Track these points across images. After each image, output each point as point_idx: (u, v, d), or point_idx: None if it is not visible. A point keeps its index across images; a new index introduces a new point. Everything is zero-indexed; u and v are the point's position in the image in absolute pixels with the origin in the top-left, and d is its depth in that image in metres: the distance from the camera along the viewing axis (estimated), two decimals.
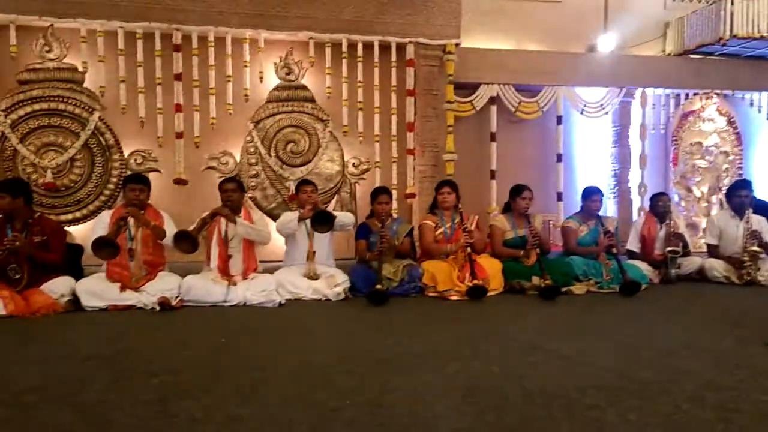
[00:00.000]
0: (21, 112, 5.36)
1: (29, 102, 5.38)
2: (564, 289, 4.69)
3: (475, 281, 4.52)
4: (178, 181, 5.73)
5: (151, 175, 5.59)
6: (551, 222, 7.01)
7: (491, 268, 4.79)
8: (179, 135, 5.69)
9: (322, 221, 4.55)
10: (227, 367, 2.68)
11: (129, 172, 5.59)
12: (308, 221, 4.70)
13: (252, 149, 5.98)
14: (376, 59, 6.00)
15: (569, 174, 7.43)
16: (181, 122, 5.68)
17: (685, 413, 2.08)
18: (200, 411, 2.13)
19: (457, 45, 6.23)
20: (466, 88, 6.83)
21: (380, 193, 5.04)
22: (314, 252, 4.69)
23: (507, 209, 5.38)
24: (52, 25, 5.33)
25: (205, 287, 4.22)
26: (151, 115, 5.62)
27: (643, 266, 5.29)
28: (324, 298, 4.45)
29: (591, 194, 5.39)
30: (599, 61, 7.28)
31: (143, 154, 5.71)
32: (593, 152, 7.60)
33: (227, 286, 4.27)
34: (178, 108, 5.65)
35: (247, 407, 2.16)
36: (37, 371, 2.64)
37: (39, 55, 5.37)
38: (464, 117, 6.84)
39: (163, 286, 4.20)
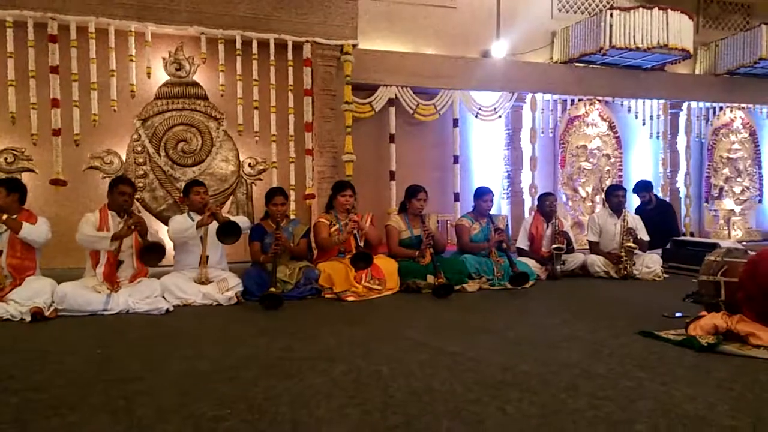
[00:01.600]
0: None
1: None
2: (457, 287, 4.81)
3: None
4: (56, 182, 5.31)
5: (26, 176, 5.19)
6: (448, 221, 7.19)
7: (387, 268, 4.83)
8: (56, 132, 5.28)
9: (229, 233, 4.37)
10: (100, 381, 2.50)
11: (0, 173, 5.14)
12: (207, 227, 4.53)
13: (139, 148, 5.68)
14: (272, 57, 5.87)
15: (466, 175, 7.65)
16: (58, 118, 5.27)
17: (560, 402, 2.18)
18: (64, 430, 1.97)
19: (354, 46, 6.22)
20: (365, 90, 6.86)
21: (275, 194, 4.92)
22: (207, 256, 4.50)
23: (402, 210, 5.44)
24: None
25: (82, 295, 3.90)
26: (24, 111, 5.18)
27: (531, 263, 5.53)
28: (215, 303, 4.27)
29: (483, 194, 5.57)
30: (492, 66, 7.56)
31: (15, 152, 5.27)
32: (488, 154, 7.88)
33: (108, 294, 3.99)
34: (55, 103, 5.24)
35: (118, 423, 2.03)
36: None
37: None
38: (363, 118, 6.87)
39: (33, 293, 3.84)
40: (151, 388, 2.40)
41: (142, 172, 5.68)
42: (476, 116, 7.53)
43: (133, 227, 4.19)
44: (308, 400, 2.23)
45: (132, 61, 5.43)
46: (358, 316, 3.93)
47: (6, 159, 5.24)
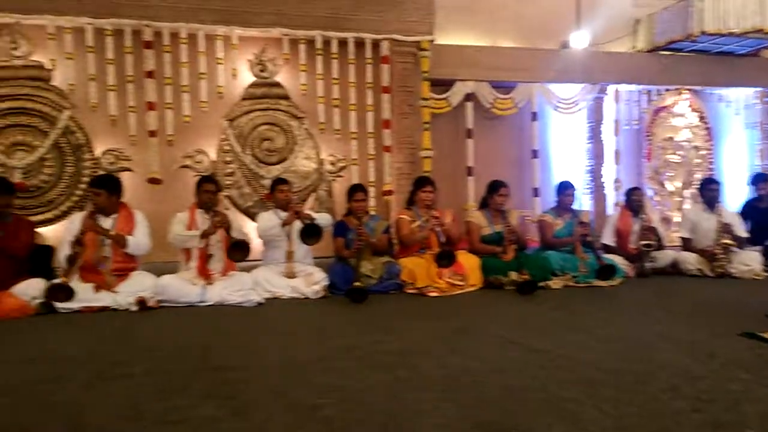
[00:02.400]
0: None
1: None
2: (541, 284, 4.73)
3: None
4: (152, 180, 5.63)
5: (125, 174, 5.51)
6: (527, 218, 7.06)
7: (469, 264, 4.82)
8: (152, 133, 5.59)
9: (312, 234, 4.50)
10: (203, 368, 2.64)
11: (101, 172, 5.50)
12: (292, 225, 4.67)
13: (227, 147, 5.91)
14: (351, 56, 5.97)
15: (545, 170, 7.47)
16: (153, 120, 5.58)
17: (660, 403, 2.11)
18: (174, 412, 2.09)
19: (431, 41, 6.23)
20: (441, 85, 6.83)
21: (356, 191, 5.02)
22: (293, 252, 4.65)
23: (483, 205, 5.40)
24: (18, 21, 5.18)
25: (180, 287, 4.16)
26: (123, 113, 5.51)
27: (618, 260, 5.36)
28: (302, 297, 4.41)
29: (565, 189, 5.45)
30: (572, 58, 7.34)
31: (116, 153, 5.61)
32: (568, 148, 7.67)
33: (203, 286, 4.21)
34: (151, 106, 5.55)
35: (222, 408, 2.13)
36: (10, 372, 2.58)
37: (6, 52, 5.23)
38: (440, 114, 6.85)
39: (138, 286, 4.12)
40: (251, 376, 2.52)
41: (229, 171, 5.92)
42: (555, 109, 7.34)
43: (219, 225, 4.40)
44: (401, 392, 2.27)
45: (220, 63, 5.67)
46: (443, 312, 3.95)
47: (107, 159, 5.59)
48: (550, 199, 6.77)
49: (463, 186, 7.04)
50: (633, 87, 7.52)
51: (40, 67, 5.33)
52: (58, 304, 3.94)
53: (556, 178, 7.07)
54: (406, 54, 6.16)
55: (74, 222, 4.35)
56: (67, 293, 3.85)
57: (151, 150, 5.61)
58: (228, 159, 5.93)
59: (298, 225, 4.60)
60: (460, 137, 7.10)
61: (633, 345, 2.96)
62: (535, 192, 7.28)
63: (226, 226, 4.44)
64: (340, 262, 4.83)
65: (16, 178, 5.26)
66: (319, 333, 3.35)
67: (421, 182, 5.17)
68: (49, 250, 4.61)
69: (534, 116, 7.28)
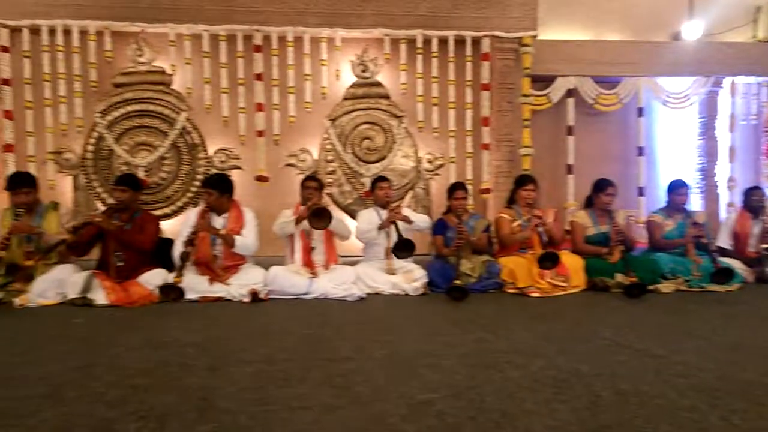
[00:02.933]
0: (116, 114, 5.72)
1: (123, 104, 5.73)
2: (650, 287, 4.53)
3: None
4: (259, 178, 5.93)
5: (235, 172, 5.83)
6: (632, 218, 6.76)
7: (573, 264, 4.70)
8: (260, 133, 5.89)
9: (404, 249, 4.55)
10: (317, 358, 2.76)
11: (214, 171, 5.86)
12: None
13: (329, 146, 6.11)
14: (451, 54, 5.99)
15: (651, 168, 7.14)
16: (261, 121, 5.88)
17: None
18: (296, 400, 2.21)
19: (533, 37, 6.12)
20: (542, 81, 6.69)
21: (457, 189, 5.03)
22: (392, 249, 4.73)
23: (588, 205, 5.24)
24: (143, 30, 5.63)
25: (288, 278, 4.38)
26: (234, 114, 5.84)
27: (736, 264, 5.03)
28: (403, 293, 4.49)
29: (677, 188, 5.18)
30: (684, 50, 6.95)
31: (226, 152, 5.95)
32: (677, 145, 7.27)
33: (309, 278, 4.40)
34: (259, 107, 5.85)
35: (340, 397, 2.22)
36: (142, 357, 2.81)
37: (132, 59, 5.69)
38: (540, 110, 6.71)
39: (249, 279, 4.37)
40: (361, 368, 2.60)
41: (331, 169, 6.11)
42: (664, 104, 6.99)
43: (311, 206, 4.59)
44: (512, 392, 2.27)
45: (323, 65, 5.88)
46: (546, 313, 3.88)
47: (219, 158, 5.94)
48: (656, 198, 6.49)
49: (563, 184, 6.87)
50: (752, 79, 7.02)
51: (161, 72, 5.76)
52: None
53: (664, 177, 6.75)
54: (507, 50, 6.09)
55: (190, 218, 4.66)
56: (178, 293, 4.11)
57: (258, 149, 5.91)
58: (329, 158, 6.12)
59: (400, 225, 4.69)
60: (561, 134, 6.93)
61: (759, 354, 2.78)
62: (640, 191, 6.97)
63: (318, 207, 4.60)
64: (439, 260, 4.87)
65: (140, 175, 5.72)
66: (422, 329, 3.40)
67: (523, 180, 5.10)
68: (170, 243, 4.97)
69: (640, 112, 6.98)
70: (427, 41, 5.96)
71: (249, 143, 5.92)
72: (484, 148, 6.19)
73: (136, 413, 2.09)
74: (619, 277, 4.57)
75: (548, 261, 4.43)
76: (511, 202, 5.17)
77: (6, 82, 5.54)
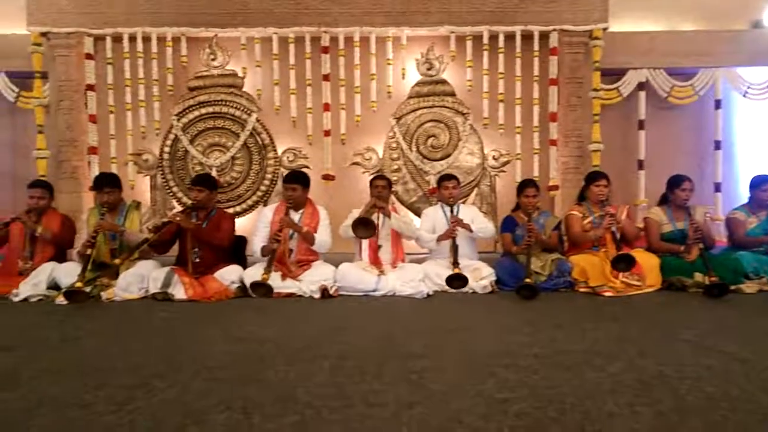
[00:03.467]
0: (191, 116, 5.95)
1: (197, 106, 5.95)
2: (732, 288, 4.33)
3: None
4: (326, 177, 6.03)
5: None
6: (709, 215, 6.47)
7: (648, 263, 4.54)
8: (327, 133, 5.99)
9: (457, 279, 4.49)
10: (390, 355, 2.79)
11: (283, 170, 6.01)
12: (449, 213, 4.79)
13: (394, 144, 6.15)
14: (518, 49, 5.90)
15: (729, 163, 6.81)
16: (328, 120, 5.98)
17: None
18: (373, 395, 2.24)
19: (604, 30, 5.95)
20: (612, 75, 6.51)
21: (527, 186, 4.96)
22: (457, 246, 4.71)
23: (663, 201, 5.06)
24: (216, 35, 5.83)
25: (357, 274, 4.44)
26: (302, 115, 5.97)
27: None
28: (470, 291, 4.47)
29: (761, 183, 4.93)
30: (766, 38, 6.59)
31: (294, 151, 6.09)
32: (758, 138, 6.90)
33: (378, 275, 4.45)
34: (326, 107, 5.95)
35: (416, 394, 2.24)
36: (223, 350, 2.92)
37: (205, 63, 5.91)
38: (610, 105, 6.52)
39: (319, 275, 4.45)
40: (435, 365, 2.61)
41: (396, 167, 6.15)
42: (744, 95, 6.65)
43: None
44: (592, 393, 2.22)
45: (389, 64, 5.92)
46: (621, 312, 3.78)
47: (288, 158, 6.08)
48: (734, 194, 6.20)
49: (634, 180, 6.66)
50: None
51: (233, 75, 5.95)
52: (252, 290, 4.39)
53: (742, 173, 6.43)
54: (577, 44, 5.96)
55: (265, 215, 4.79)
56: (267, 290, 4.22)
57: (325, 148, 6.02)
58: (394, 156, 6.16)
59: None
60: (632, 129, 6.72)
61: None
62: (717, 187, 6.66)
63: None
64: (507, 258, 4.82)
65: (212, 175, 5.93)
66: (493, 328, 3.38)
67: (594, 176, 4.97)
68: (243, 240, 5.15)
69: (717, 104, 6.67)
70: (493, 37, 5.90)
71: (316, 143, 6.04)
72: (552, 144, 6.08)
73: (222, 404, 2.17)
74: (698, 277, 4.39)
75: (623, 263, 4.30)
76: (581, 198, 5.05)
77: (90, 87, 5.87)
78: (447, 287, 4.53)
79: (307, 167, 6.04)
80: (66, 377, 2.52)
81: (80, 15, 5.75)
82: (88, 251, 4.34)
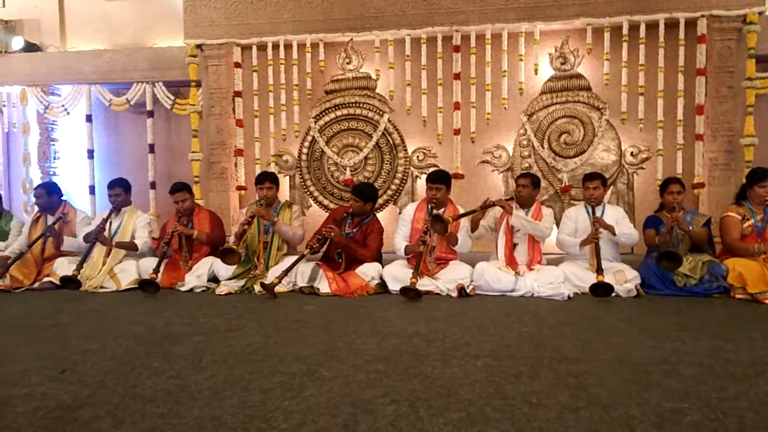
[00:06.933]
0: (327, 118, 6.23)
1: (333, 109, 6.22)
2: None
3: None
4: (455, 176, 6.05)
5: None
6: None
7: None
8: (457, 131, 6.02)
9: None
10: (543, 357, 2.78)
11: (413, 169, 6.13)
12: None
13: (525, 142, 6.05)
14: (661, 39, 5.58)
15: None
16: (458, 119, 6.00)
17: None
18: (533, 396, 2.25)
19: (760, 14, 5.47)
20: (766, 62, 5.96)
21: (671, 183, 4.70)
22: (600, 248, 4.53)
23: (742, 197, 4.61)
24: (351, 39, 6.06)
25: (495, 274, 4.43)
26: (433, 114, 6.04)
27: None
28: (614, 294, 4.30)
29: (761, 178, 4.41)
30: None
31: (424, 150, 6.18)
32: None
33: (515, 276, 4.42)
34: (457, 106, 5.98)
35: (578, 398, 2.22)
36: (375, 344, 3.05)
37: (341, 67, 6.16)
38: (765, 95, 5.98)
39: (456, 274, 4.50)
40: (592, 370, 2.56)
41: (526, 165, 6.05)
42: None
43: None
44: None
45: (521, 60, 5.83)
46: None
47: (417, 157, 6.19)
48: None
49: None
50: None
51: (367, 77, 6.15)
52: (391, 287, 4.53)
53: None
54: (728, 30, 5.53)
55: (408, 212, 4.96)
56: (416, 293, 4.29)
57: (455, 147, 6.05)
58: (525, 153, 6.06)
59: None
60: None
61: None
62: None
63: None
64: (653, 259, 4.57)
65: (346, 175, 6.18)
66: (645, 333, 3.24)
67: (760, 175, 4.55)
68: None
69: None
70: (633, 27, 5.62)
71: (446, 142, 6.09)
72: (698, 139, 5.69)
73: (387, 396, 2.28)
74: None
75: None
76: (740, 198, 4.68)
77: (238, 94, 6.32)
78: (586, 289, 4.39)
79: (436, 166, 6.11)
80: (239, 363, 2.76)
81: (230, 27, 6.21)
82: (245, 227, 4.83)
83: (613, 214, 4.79)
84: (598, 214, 4.67)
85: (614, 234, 4.56)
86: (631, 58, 5.67)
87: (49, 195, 5.45)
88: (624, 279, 4.36)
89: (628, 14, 5.58)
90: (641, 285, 4.39)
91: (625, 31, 5.61)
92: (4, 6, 7.62)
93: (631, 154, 5.90)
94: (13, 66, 7.19)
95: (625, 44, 5.63)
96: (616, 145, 5.93)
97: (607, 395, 2.25)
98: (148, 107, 6.95)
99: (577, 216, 4.83)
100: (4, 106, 7.37)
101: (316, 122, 6.23)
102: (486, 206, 4.70)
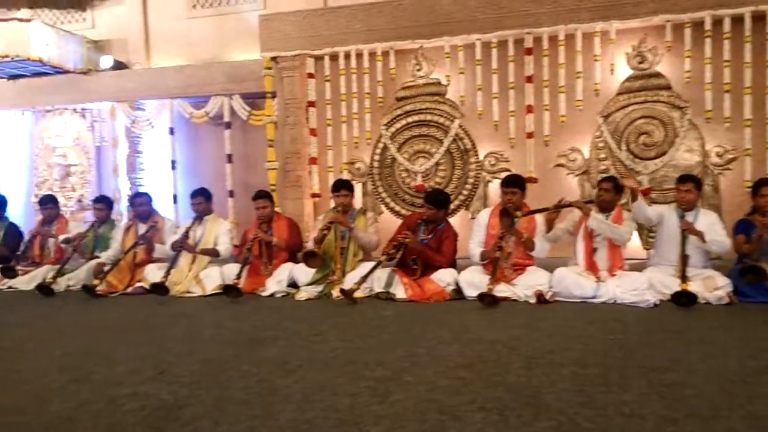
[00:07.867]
0: (398, 125, 6.28)
1: (404, 115, 6.26)
2: None
3: None
4: (528, 180, 5.94)
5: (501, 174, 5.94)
6: None
7: None
8: (529, 135, 5.93)
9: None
10: (633, 366, 2.71)
11: (485, 174, 6.09)
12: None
13: (601, 144, 5.88)
14: (748, 33, 5.31)
15: None
16: (531, 122, 5.91)
17: None
18: (626, 407, 2.20)
19: None
20: None
21: (763, 185, 4.46)
22: (688, 256, 4.34)
23: None
24: (421, 46, 6.09)
25: (575, 279, 4.34)
26: (504, 118, 5.98)
27: None
28: (703, 302, 4.11)
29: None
30: None
31: (496, 155, 6.12)
32: None
33: (596, 282, 4.31)
34: (529, 109, 5.89)
35: (675, 409, 2.16)
36: (456, 351, 3.06)
37: (411, 73, 6.21)
38: None
39: (533, 280, 4.43)
40: (686, 380, 2.48)
41: (603, 167, 5.87)
42: None
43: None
44: None
45: (596, 60, 5.68)
46: None
47: (489, 161, 6.14)
48: None
49: None
50: None
51: (437, 83, 6.16)
52: (467, 293, 4.52)
53: None
54: None
55: (482, 217, 4.97)
56: (493, 299, 4.25)
57: (527, 151, 5.96)
58: (602, 156, 5.89)
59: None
60: None
61: None
62: None
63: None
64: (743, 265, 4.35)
65: (418, 181, 6.22)
66: (739, 342, 3.10)
67: (757, 184, 4.31)
68: None
69: None
70: (717, 22, 5.37)
71: (518, 145, 6.00)
72: None
73: (474, 403, 2.29)
74: None
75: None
76: None
77: (311, 104, 6.48)
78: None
79: (508, 170, 6.04)
80: (324, 367, 2.83)
81: (303, 39, 6.37)
82: (324, 232, 4.99)
83: (706, 219, 4.56)
84: (690, 219, 4.49)
85: (704, 241, 4.36)
86: (715, 55, 5.40)
87: (149, 204, 5.92)
88: (714, 286, 4.15)
89: (711, 9, 5.33)
90: (733, 292, 4.18)
91: (707, 26, 5.36)
92: (93, 27, 8.12)
93: (717, 154, 5.62)
94: (102, 84, 7.66)
95: (708, 40, 5.39)
96: (699, 145, 5.67)
97: (707, 407, 2.18)
98: (226, 119, 7.22)
99: (669, 218, 4.64)
100: (96, 121, 7.86)
101: (387, 129, 6.29)
102: (560, 206, 4.63)
